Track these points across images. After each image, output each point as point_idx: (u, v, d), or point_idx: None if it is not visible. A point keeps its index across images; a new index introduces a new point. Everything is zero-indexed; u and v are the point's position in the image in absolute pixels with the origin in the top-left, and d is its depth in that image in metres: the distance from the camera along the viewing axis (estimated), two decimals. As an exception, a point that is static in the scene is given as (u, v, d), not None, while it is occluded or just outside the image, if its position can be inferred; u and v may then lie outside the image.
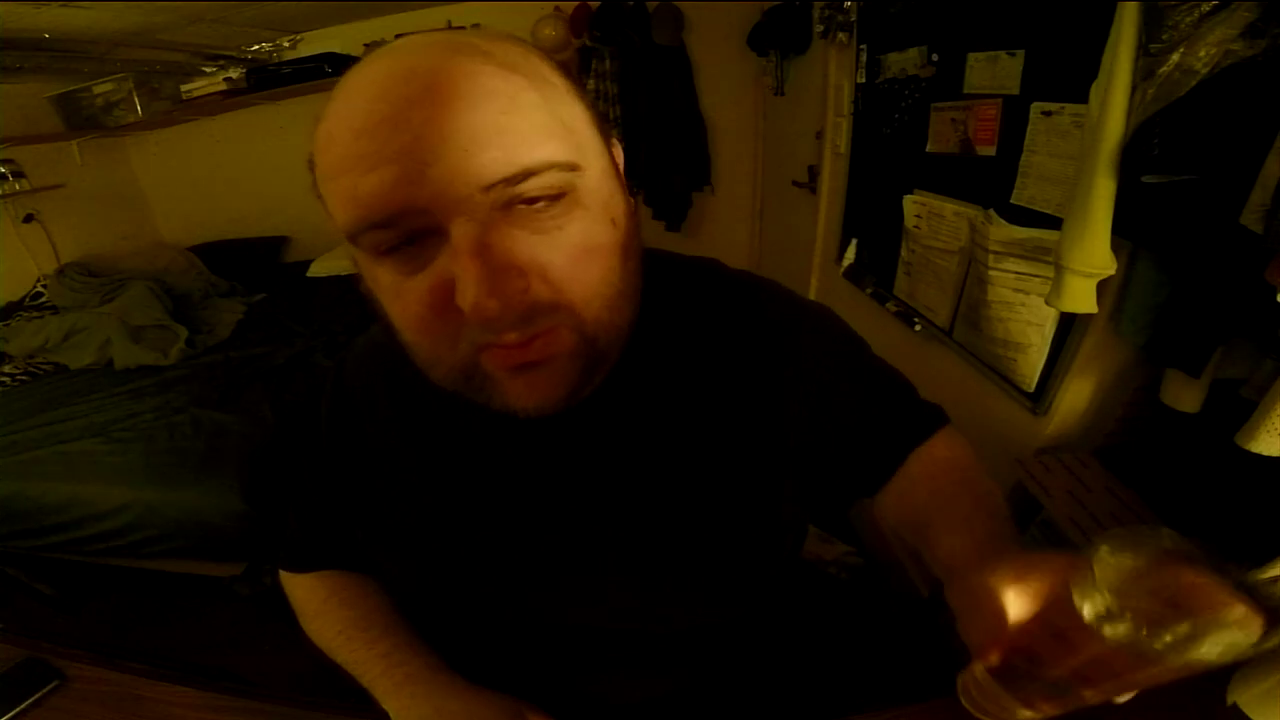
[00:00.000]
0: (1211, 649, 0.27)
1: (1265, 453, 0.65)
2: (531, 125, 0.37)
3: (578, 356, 0.40)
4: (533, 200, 0.37)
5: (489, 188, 0.35)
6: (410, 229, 0.36)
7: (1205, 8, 0.66)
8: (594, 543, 0.51)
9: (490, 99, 0.36)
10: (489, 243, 0.36)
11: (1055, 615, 0.32)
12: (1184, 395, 0.85)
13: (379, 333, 0.59)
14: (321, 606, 0.63)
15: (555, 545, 0.52)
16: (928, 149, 1.33)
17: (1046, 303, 0.92)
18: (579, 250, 0.39)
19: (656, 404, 0.50)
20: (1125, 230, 0.81)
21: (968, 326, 1.26)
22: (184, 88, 2.59)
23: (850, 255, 1.79)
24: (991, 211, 1.13)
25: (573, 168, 0.38)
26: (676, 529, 0.50)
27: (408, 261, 0.38)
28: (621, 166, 0.46)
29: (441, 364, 0.41)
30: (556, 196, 0.37)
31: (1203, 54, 0.67)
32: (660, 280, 0.48)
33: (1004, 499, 0.53)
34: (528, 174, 0.36)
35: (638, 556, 0.51)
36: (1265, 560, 0.69)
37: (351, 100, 0.36)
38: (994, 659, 0.36)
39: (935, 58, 1.28)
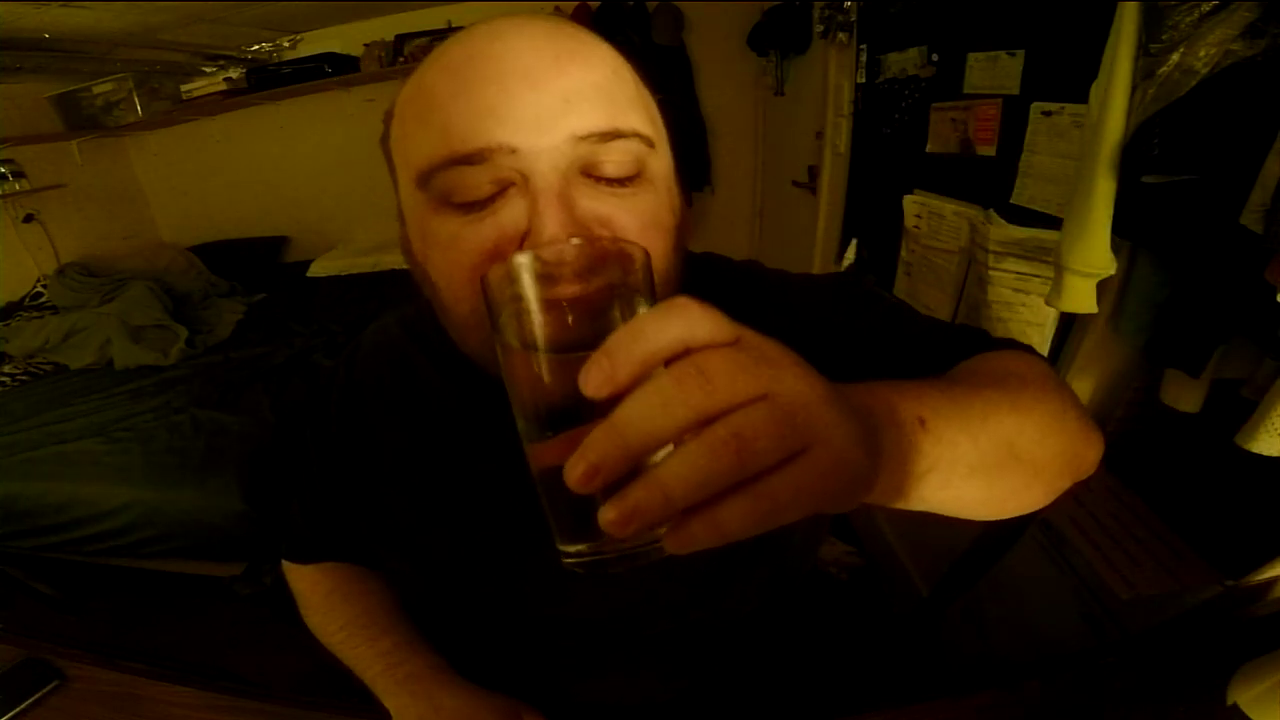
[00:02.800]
0: None
1: (1265, 453, 0.64)
2: (627, 96, 0.40)
3: None
4: (610, 169, 0.39)
5: (583, 137, 0.37)
6: (491, 174, 0.37)
7: (1205, 8, 0.66)
8: None
9: (600, 64, 0.39)
10: (570, 193, 0.37)
11: None
12: (1184, 395, 0.85)
13: (391, 325, 0.59)
14: (324, 601, 0.63)
15: None
16: (928, 149, 1.33)
17: (1046, 303, 0.92)
18: (648, 219, 0.41)
19: None
20: (1125, 230, 0.81)
21: (968, 326, 1.26)
22: (184, 88, 2.59)
23: (850, 255, 1.79)
24: (991, 211, 1.13)
25: (651, 143, 0.40)
26: None
27: (473, 208, 0.39)
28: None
29: (481, 328, 0.39)
30: (632, 169, 0.39)
31: (1203, 54, 0.67)
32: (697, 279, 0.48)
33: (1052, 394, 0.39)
34: (617, 134, 0.38)
35: None
36: (1265, 560, 0.69)
37: (467, 53, 0.39)
38: None
39: (935, 58, 1.28)
